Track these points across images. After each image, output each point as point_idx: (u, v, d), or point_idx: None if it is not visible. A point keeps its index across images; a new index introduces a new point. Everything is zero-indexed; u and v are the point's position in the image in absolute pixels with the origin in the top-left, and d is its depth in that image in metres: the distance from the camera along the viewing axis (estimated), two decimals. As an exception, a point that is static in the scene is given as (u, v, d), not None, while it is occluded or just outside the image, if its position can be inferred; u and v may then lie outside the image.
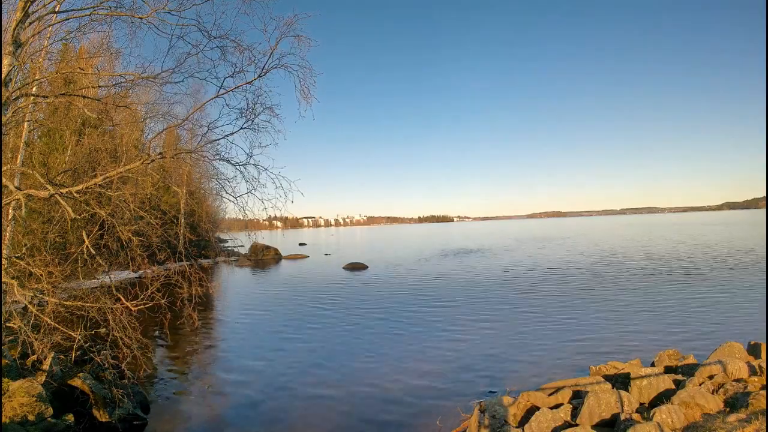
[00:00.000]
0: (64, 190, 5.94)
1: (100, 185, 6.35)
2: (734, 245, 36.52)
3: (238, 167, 7.03)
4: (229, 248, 42.95)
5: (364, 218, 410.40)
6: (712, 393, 6.17)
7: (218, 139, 7.07)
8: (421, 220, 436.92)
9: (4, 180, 5.95)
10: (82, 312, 6.52)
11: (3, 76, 5.72)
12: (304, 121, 6.92)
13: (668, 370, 7.95)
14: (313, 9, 6.56)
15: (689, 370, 7.55)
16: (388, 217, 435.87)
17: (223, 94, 6.81)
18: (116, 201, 7.06)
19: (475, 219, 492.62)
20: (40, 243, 10.75)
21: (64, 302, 6.47)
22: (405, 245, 61.64)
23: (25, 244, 8.92)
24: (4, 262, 6.13)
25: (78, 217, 6.27)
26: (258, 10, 6.31)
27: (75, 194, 6.07)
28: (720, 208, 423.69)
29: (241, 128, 7.07)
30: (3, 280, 5.86)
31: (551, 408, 6.41)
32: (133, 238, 6.73)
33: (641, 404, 6.42)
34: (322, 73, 6.90)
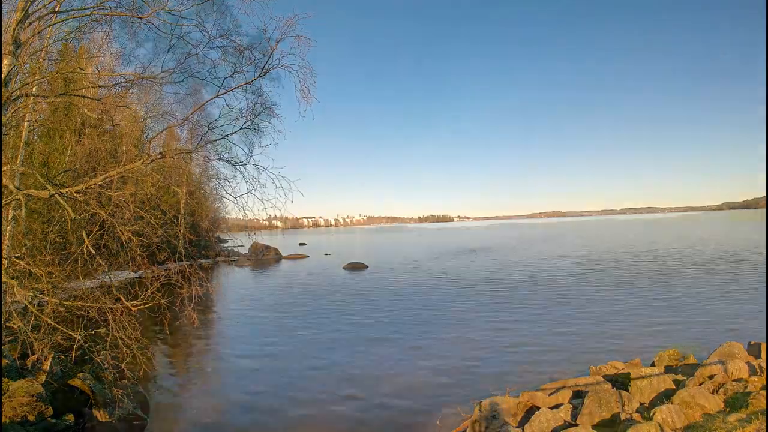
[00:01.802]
0: (64, 190, 5.94)
1: (100, 185, 6.35)
2: (735, 244, 36.52)
3: (238, 167, 7.03)
4: (229, 248, 42.93)
5: (364, 218, 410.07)
6: (713, 393, 6.17)
7: (218, 139, 7.08)
8: (421, 219, 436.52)
9: (4, 180, 5.95)
10: (82, 312, 6.51)
11: (3, 76, 5.72)
12: (305, 121, 6.91)
13: (668, 370, 7.95)
14: (314, 8, 6.55)
15: (689, 371, 7.55)
16: (388, 217, 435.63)
17: (223, 94, 6.81)
18: (116, 201, 7.05)
19: (475, 219, 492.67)
20: (40, 243, 10.74)
21: (64, 302, 6.46)
22: (405, 244, 61.63)
23: (25, 244, 8.91)
24: (4, 262, 6.13)
25: (78, 217, 6.26)
26: (258, 10, 6.32)
27: (75, 194, 6.07)
28: (720, 208, 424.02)
29: (241, 128, 7.07)
30: (3, 280, 5.85)
31: (551, 408, 6.41)
32: (133, 238, 6.73)
33: (641, 404, 6.42)
34: (320, 75, 6.90)
